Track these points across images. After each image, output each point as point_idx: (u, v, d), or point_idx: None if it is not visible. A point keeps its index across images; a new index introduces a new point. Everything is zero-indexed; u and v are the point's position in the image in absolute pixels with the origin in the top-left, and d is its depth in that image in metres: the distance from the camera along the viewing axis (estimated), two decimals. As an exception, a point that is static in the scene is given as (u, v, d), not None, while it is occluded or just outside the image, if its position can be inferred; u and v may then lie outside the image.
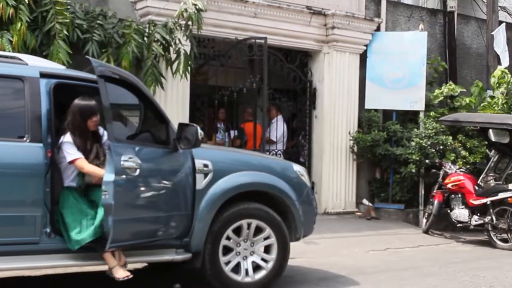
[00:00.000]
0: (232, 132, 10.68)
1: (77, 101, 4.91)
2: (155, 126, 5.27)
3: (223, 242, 5.45)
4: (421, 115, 10.99)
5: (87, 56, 4.89)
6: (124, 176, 4.67)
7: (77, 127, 4.89)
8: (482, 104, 11.10)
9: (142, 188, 4.94)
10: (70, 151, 4.83)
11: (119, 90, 4.95)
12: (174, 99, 9.00)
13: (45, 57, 6.96)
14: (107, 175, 4.60)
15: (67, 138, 4.85)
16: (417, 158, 10.31)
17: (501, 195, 9.12)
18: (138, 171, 4.79)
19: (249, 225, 5.55)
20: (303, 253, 7.35)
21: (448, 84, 11.43)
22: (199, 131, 5.08)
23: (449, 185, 9.57)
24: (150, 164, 5.00)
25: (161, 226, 5.12)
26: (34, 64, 4.94)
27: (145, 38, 8.28)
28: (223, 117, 10.47)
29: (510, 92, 10.89)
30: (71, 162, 4.84)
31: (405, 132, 10.78)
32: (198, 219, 5.25)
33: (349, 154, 10.93)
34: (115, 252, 4.87)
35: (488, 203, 9.16)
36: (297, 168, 6.12)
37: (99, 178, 4.76)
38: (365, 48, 11.11)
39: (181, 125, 5.17)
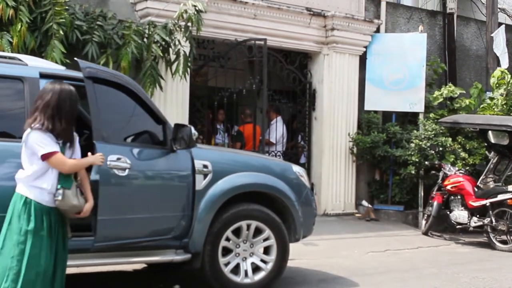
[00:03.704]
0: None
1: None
2: (152, 127, 5.26)
3: (223, 243, 5.45)
4: (421, 116, 10.99)
5: (76, 59, 4.84)
6: (110, 176, 4.64)
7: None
8: (481, 106, 11.12)
9: (132, 188, 4.93)
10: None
11: (113, 91, 4.93)
12: (174, 100, 9.00)
13: (43, 58, 6.95)
14: (93, 175, 4.55)
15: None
16: (417, 160, 10.31)
17: (500, 197, 9.12)
18: (127, 171, 4.78)
19: (248, 226, 5.56)
20: (303, 254, 7.35)
21: (447, 86, 11.43)
22: (193, 131, 5.08)
23: (448, 187, 9.58)
24: (143, 164, 5.00)
25: (155, 226, 5.11)
26: (34, 64, 4.94)
27: (145, 39, 8.28)
28: (222, 118, 10.47)
29: (510, 93, 10.91)
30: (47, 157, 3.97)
31: (404, 134, 10.78)
32: (197, 219, 5.25)
33: (348, 155, 10.93)
34: None
35: (487, 204, 9.16)
36: (297, 169, 6.12)
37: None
38: (364, 49, 11.12)
39: (176, 126, 5.17)
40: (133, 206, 4.95)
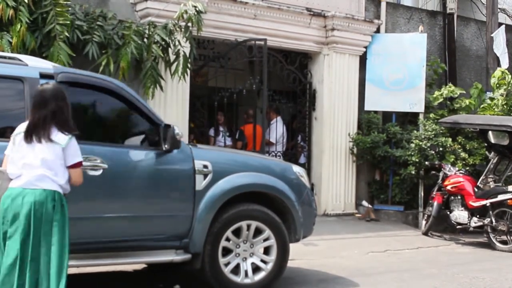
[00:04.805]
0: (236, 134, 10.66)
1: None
2: (146, 128, 5.24)
3: (223, 243, 5.45)
4: (421, 117, 10.99)
5: (52, 64, 4.86)
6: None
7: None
8: (481, 106, 11.12)
9: (109, 189, 4.93)
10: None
11: (96, 95, 5.01)
12: (174, 101, 9.00)
13: (45, 58, 6.94)
14: None
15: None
16: (417, 160, 10.31)
17: (500, 197, 9.12)
18: (101, 171, 4.75)
19: (248, 226, 5.56)
20: (303, 255, 7.35)
21: (447, 86, 11.43)
22: (176, 131, 5.05)
23: (448, 187, 9.57)
24: (124, 164, 5.01)
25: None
26: (34, 65, 4.94)
27: (145, 40, 8.28)
28: (220, 120, 10.43)
29: (510, 94, 10.91)
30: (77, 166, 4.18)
31: (404, 134, 10.79)
32: (197, 220, 5.25)
33: (348, 155, 10.93)
34: None
35: (487, 205, 9.16)
36: (297, 169, 6.12)
37: None
38: (364, 49, 11.12)
39: (165, 126, 5.15)
40: (107, 206, 4.96)
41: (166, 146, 5.09)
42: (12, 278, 3.83)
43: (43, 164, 3.96)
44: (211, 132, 10.26)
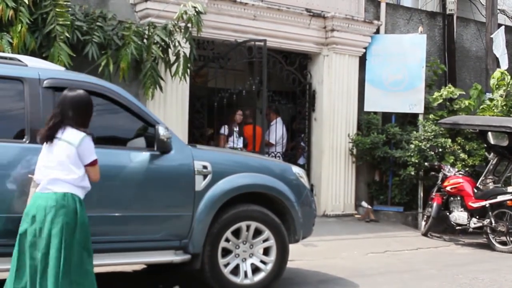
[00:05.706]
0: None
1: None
2: (141, 129, 5.25)
3: (222, 244, 5.46)
4: (420, 117, 11.00)
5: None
6: None
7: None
8: (481, 107, 11.13)
9: (107, 189, 4.91)
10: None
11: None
12: (174, 101, 9.00)
13: (45, 58, 6.94)
14: None
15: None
16: (416, 161, 10.32)
17: (500, 198, 9.14)
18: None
19: (248, 227, 5.56)
20: (302, 255, 7.36)
21: (447, 87, 11.44)
22: (161, 133, 5.04)
23: (448, 188, 9.58)
24: (122, 166, 5.02)
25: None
26: (34, 65, 4.95)
27: (145, 40, 8.29)
28: (239, 119, 10.37)
29: (509, 94, 10.92)
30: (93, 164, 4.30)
31: (404, 135, 10.79)
32: (197, 220, 5.26)
33: (348, 156, 10.93)
34: None
35: (487, 205, 9.17)
36: (296, 170, 6.12)
37: None
38: (364, 50, 11.13)
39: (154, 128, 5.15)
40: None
41: (155, 148, 5.09)
42: (15, 278, 4.04)
43: (57, 165, 4.09)
44: (223, 130, 10.19)
